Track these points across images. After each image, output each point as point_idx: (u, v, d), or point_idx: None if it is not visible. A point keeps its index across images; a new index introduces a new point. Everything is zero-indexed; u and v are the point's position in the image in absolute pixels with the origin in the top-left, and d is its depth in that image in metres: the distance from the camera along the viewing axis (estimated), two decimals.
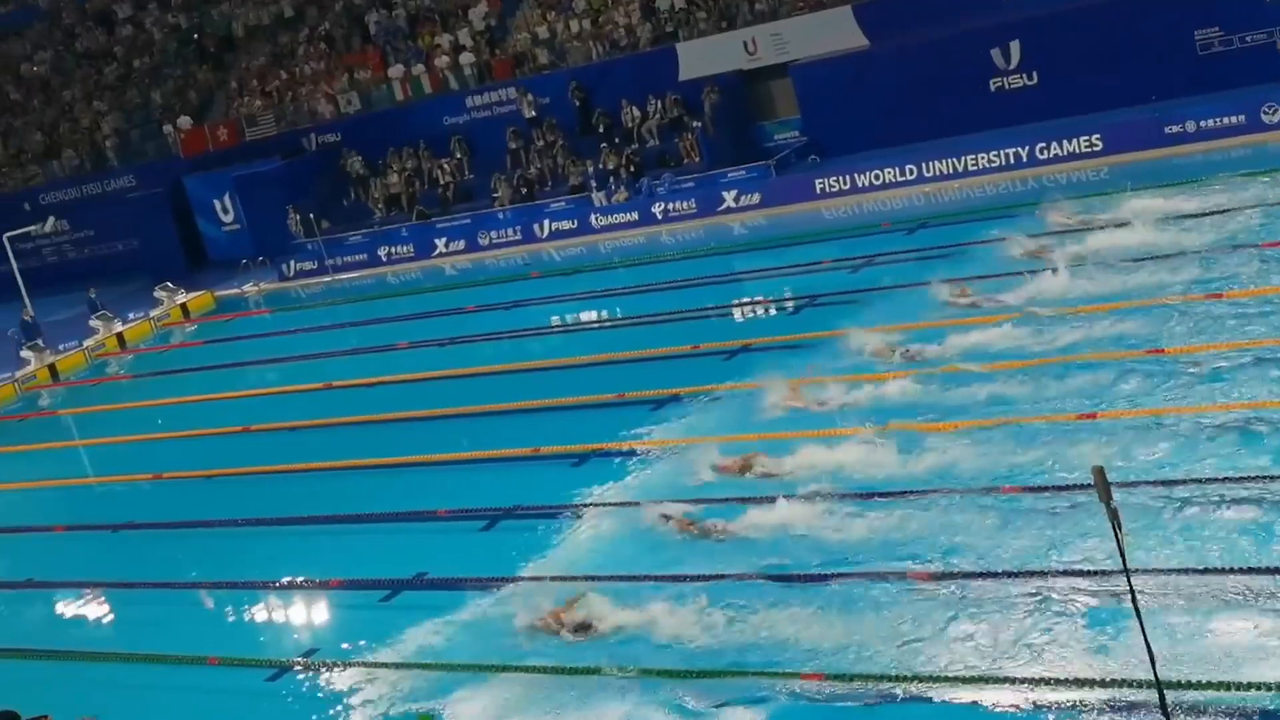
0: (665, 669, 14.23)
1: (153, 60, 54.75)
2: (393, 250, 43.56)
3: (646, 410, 22.80)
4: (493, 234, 41.70)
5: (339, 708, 15.48)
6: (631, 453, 21.05)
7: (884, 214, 33.90)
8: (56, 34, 59.71)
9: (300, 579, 20.16)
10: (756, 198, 37.96)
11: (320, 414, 27.74)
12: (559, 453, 22.06)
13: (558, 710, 14.19)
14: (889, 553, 15.74)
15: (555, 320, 31.93)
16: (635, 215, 39.20)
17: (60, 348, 39.85)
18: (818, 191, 37.13)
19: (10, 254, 42.48)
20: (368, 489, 22.91)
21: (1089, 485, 12.31)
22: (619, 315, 31.21)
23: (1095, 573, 14.10)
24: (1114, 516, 9.97)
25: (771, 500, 17.43)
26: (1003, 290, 24.05)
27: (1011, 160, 34.55)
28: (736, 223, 37.41)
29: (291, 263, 44.80)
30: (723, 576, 15.83)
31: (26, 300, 41.26)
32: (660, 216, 38.78)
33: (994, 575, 14.62)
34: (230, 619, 19.47)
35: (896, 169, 36.21)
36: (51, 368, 38.79)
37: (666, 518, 17.85)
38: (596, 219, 39.97)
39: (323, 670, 16.72)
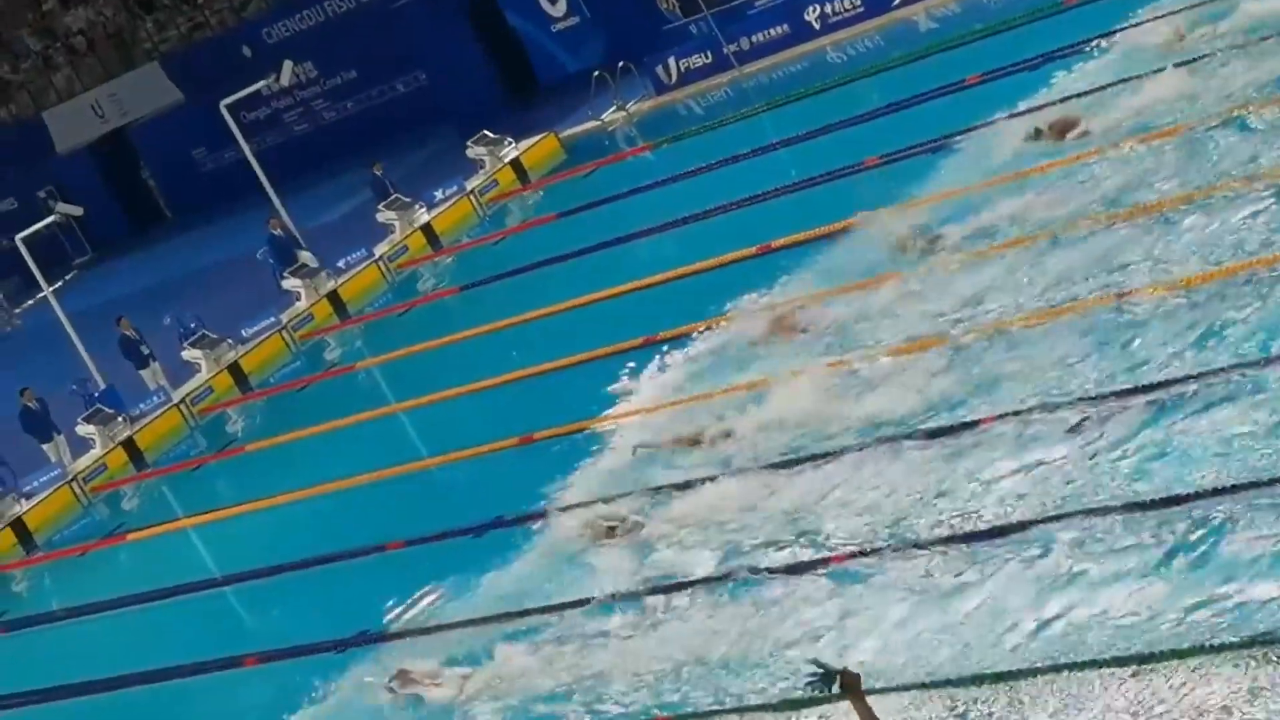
0: None
1: None
2: (827, 9, 36.09)
3: None
4: None
5: None
6: None
7: None
8: None
9: None
10: None
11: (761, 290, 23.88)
12: None
13: None
14: None
15: (1115, 76, 23.95)
16: None
17: (340, 264, 33.94)
18: None
19: (238, 132, 35.04)
20: None
21: None
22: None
23: None
24: None
25: None
26: None
27: None
28: None
29: (670, 62, 37.56)
30: None
31: (276, 200, 34.53)
32: None
33: None
34: None
35: None
36: (333, 298, 32.76)
37: None
38: None
39: None
